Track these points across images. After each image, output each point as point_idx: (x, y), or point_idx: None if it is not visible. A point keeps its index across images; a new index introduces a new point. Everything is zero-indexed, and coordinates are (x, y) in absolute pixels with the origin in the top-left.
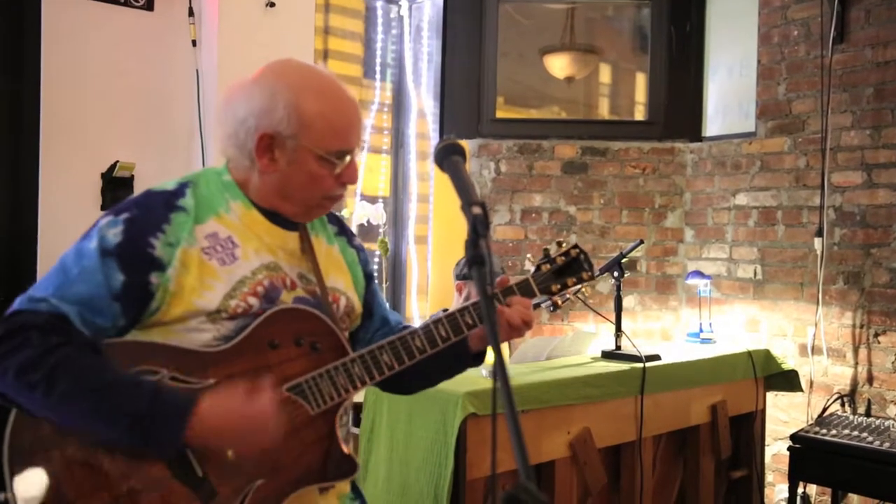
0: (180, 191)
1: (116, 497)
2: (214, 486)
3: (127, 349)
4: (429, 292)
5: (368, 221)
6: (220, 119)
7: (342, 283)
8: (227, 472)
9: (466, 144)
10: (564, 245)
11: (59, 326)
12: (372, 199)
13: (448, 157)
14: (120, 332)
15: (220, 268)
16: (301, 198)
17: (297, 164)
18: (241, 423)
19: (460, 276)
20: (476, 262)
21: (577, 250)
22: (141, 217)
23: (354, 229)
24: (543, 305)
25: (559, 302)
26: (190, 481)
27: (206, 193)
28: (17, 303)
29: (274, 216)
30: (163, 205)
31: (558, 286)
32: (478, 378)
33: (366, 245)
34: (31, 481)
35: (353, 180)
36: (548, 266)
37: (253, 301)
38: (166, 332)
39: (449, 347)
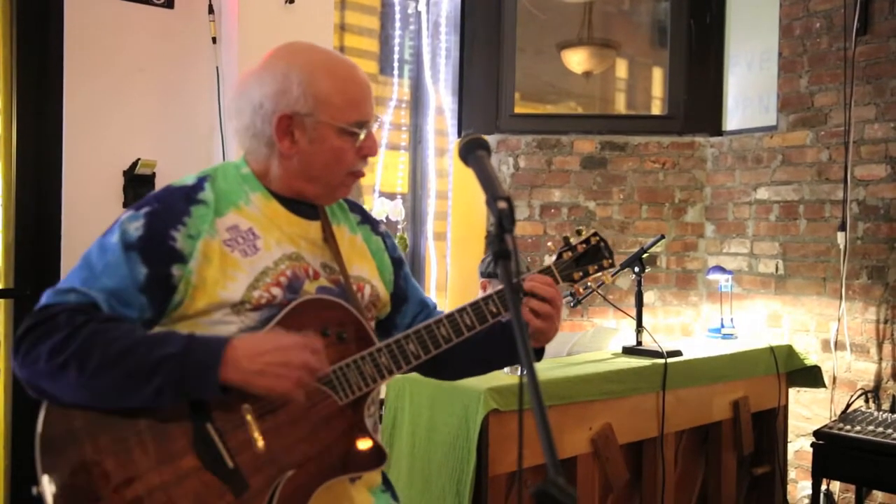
0: (199, 185)
1: (148, 489)
2: (245, 477)
3: None
4: (447, 288)
5: (387, 218)
6: (233, 111)
7: (366, 271)
8: (258, 463)
9: None
10: (584, 233)
11: (86, 309)
12: (390, 196)
13: (473, 152)
14: (147, 325)
15: (243, 259)
16: (325, 177)
17: (319, 142)
18: (275, 345)
19: (485, 274)
20: (502, 256)
21: (598, 238)
22: (161, 211)
23: None
24: (564, 298)
25: (580, 290)
26: (221, 473)
27: (225, 187)
28: (45, 297)
29: (295, 206)
30: (183, 198)
31: (580, 273)
32: (500, 374)
33: None
34: (62, 474)
35: (374, 152)
36: (569, 254)
37: (276, 291)
38: (193, 327)
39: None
